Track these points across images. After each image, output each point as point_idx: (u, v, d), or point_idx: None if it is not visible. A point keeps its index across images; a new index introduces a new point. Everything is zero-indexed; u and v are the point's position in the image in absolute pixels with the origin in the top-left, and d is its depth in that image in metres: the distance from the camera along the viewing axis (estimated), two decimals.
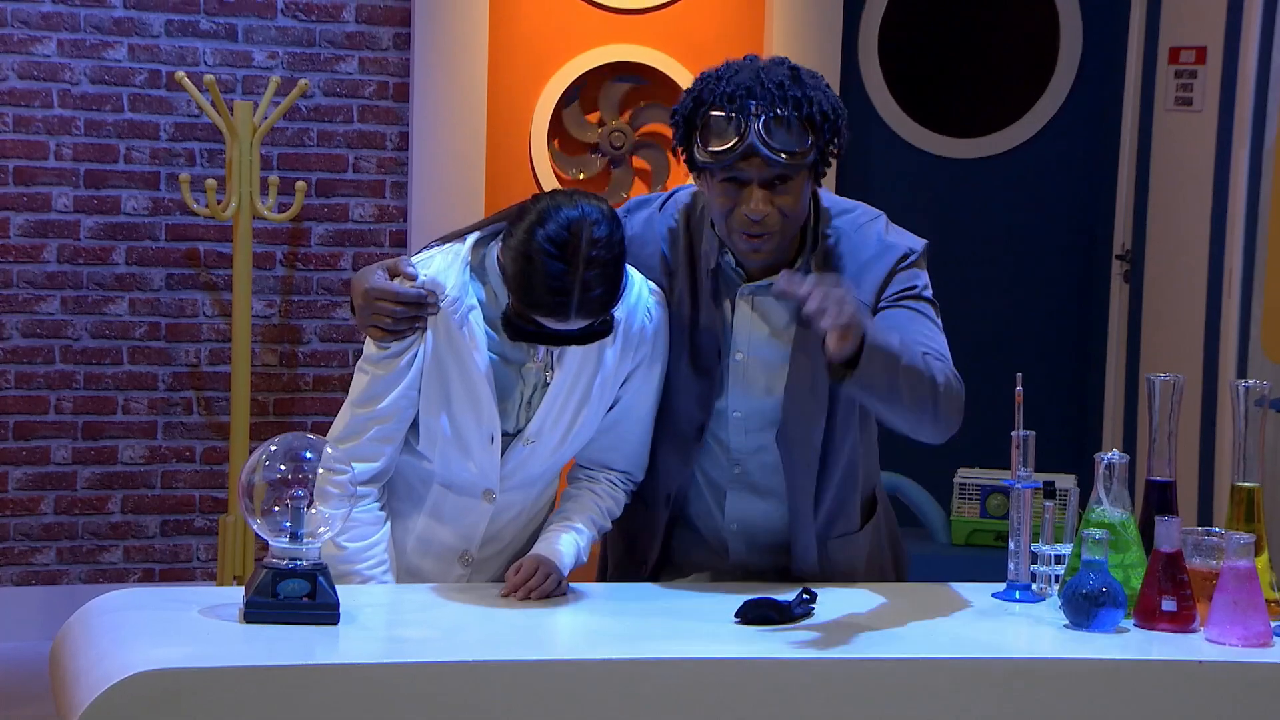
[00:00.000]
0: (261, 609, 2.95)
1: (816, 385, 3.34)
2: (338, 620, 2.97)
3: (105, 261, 6.11)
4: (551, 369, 3.32)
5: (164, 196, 6.14)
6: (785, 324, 3.37)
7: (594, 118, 6.36)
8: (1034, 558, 3.30)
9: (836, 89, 6.27)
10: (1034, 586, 3.29)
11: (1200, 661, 2.97)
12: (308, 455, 3.12)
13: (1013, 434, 3.30)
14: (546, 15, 6.27)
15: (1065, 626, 3.10)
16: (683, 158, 3.33)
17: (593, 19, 6.30)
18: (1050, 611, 3.19)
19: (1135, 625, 3.10)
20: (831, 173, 3.44)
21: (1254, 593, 3.02)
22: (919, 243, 3.40)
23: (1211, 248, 6.10)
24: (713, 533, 3.48)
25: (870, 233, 3.38)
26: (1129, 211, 6.61)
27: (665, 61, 6.32)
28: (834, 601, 3.20)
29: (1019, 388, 3.29)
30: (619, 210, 3.40)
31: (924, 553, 5.57)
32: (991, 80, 6.77)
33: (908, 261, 3.36)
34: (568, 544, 3.31)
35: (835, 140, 3.27)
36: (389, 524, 3.38)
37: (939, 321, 3.35)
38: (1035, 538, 3.31)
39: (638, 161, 6.38)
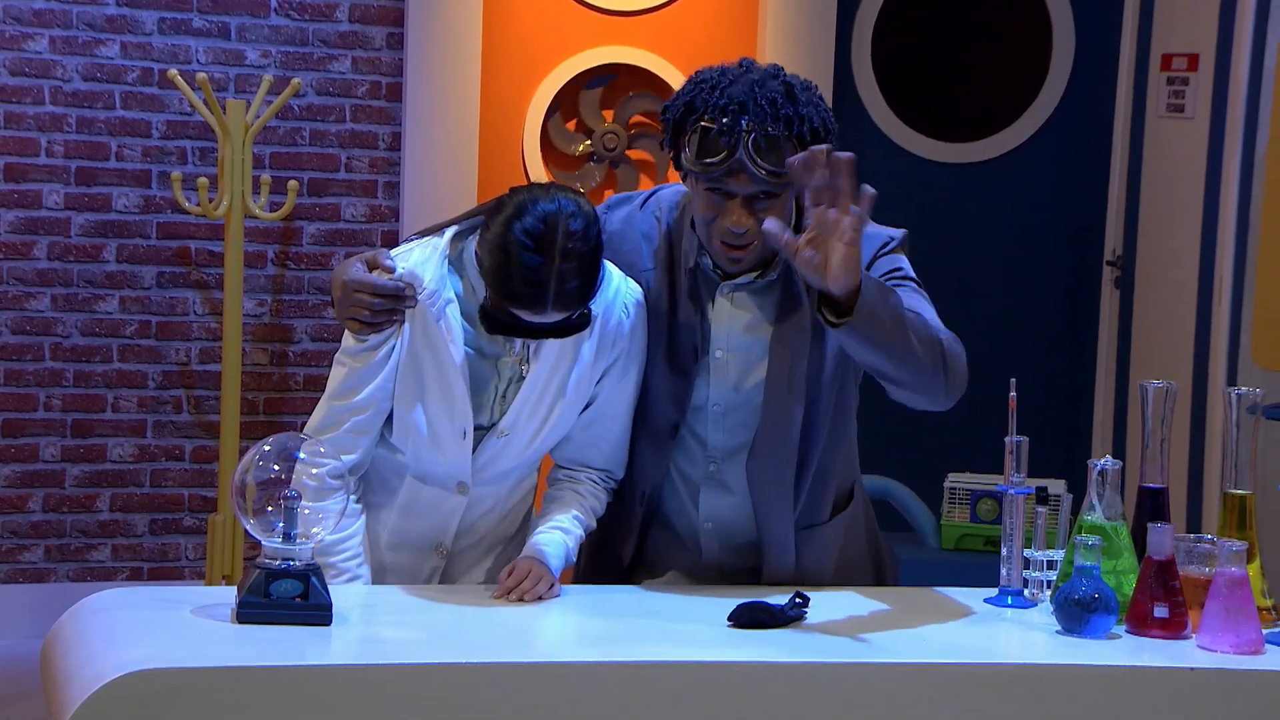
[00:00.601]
0: (254, 609, 2.95)
1: (794, 378, 3.35)
2: (330, 621, 2.97)
3: (96, 259, 6.10)
4: (527, 362, 3.33)
5: (155, 194, 6.13)
6: (765, 318, 3.37)
7: (572, 125, 6.35)
8: (1026, 563, 3.30)
9: (829, 93, 6.33)
10: (1026, 592, 3.29)
11: (1192, 668, 2.97)
12: (300, 455, 3.12)
13: (1006, 439, 3.30)
14: (540, 16, 6.27)
15: (1057, 632, 3.11)
16: (670, 156, 3.34)
17: (586, 20, 6.30)
18: (1042, 617, 3.19)
19: (1127, 631, 3.11)
20: None
21: (1246, 600, 3.02)
22: (898, 232, 3.41)
23: (1202, 254, 6.11)
24: (687, 531, 3.48)
25: None
26: (1120, 217, 6.62)
27: (658, 63, 6.32)
28: (826, 605, 3.20)
29: (1013, 393, 3.29)
30: (599, 208, 3.42)
31: (914, 557, 5.58)
32: (984, 85, 6.78)
33: (888, 248, 3.37)
34: (558, 545, 3.32)
35: None
36: (364, 516, 3.38)
37: (928, 297, 3.34)
38: (1027, 543, 3.31)
39: (636, 154, 6.37)
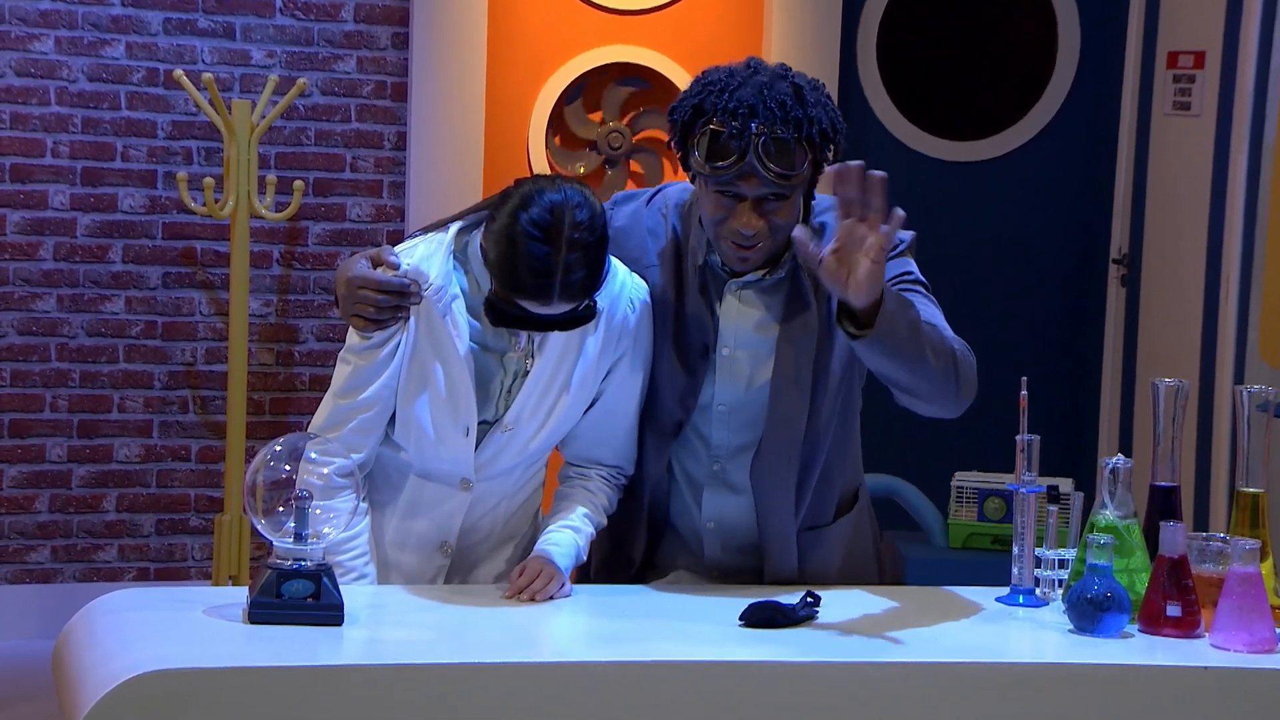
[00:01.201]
0: (266, 609, 2.94)
1: (800, 377, 3.35)
2: (342, 621, 2.96)
3: (102, 259, 6.10)
4: (533, 357, 3.33)
5: (161, 195, 6.12)
6: (772, 317, 3.37)
7: (596, 116, 6.36)
8: (1037, 562, 3.30)
9: (834, 92, 6.29)
10: (1038, 591, 3.28)
11: (1206, 667, 2.97)
12: (309, 454, 3.12)
13: (1017, 438, 3.29)
14: (545, 15, 6.27)
15: (1070, 631, 3.10)
16: (677, 156, 3.33)
17: (591, 19, 6.30)
18: (1054, 616, 3.19)
19: (1140, 630, 3.10)
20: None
21: (1259, 598, 3.02)
22: (906, 234, 3.40)
23: (1209, 252, 6.10)
24: (690, 531, 3.48)
25: None
26: (1126, 215, 6.62)
27: (664, 63, 6.32)
28: (837, 604, 3.20)
29: (1023, 391, 3.29)
30: (606, 204, 3.41)
31: (921, 556, 5.57)
32: (989, 84, 6.77)
33: (897, 250, 3.37)
34: (568, 544, 3.31)
35: (834, 157, 3.27)
36: (370, 515, 3.37)
37: (936, 302, 3.35)
38: (1039, 542, 3.31)
39: (633, 165, 6.38)
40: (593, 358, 3.34)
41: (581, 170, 6.32)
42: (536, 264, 3.14)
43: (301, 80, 5.98)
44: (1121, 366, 6.63)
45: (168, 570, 6.22)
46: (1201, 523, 5.86)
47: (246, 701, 2.72)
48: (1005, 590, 3.31)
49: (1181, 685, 2.95)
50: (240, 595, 3.05)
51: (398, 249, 3.33)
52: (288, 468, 3.05)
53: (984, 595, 3.33)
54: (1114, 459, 3.20)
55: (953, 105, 6.75)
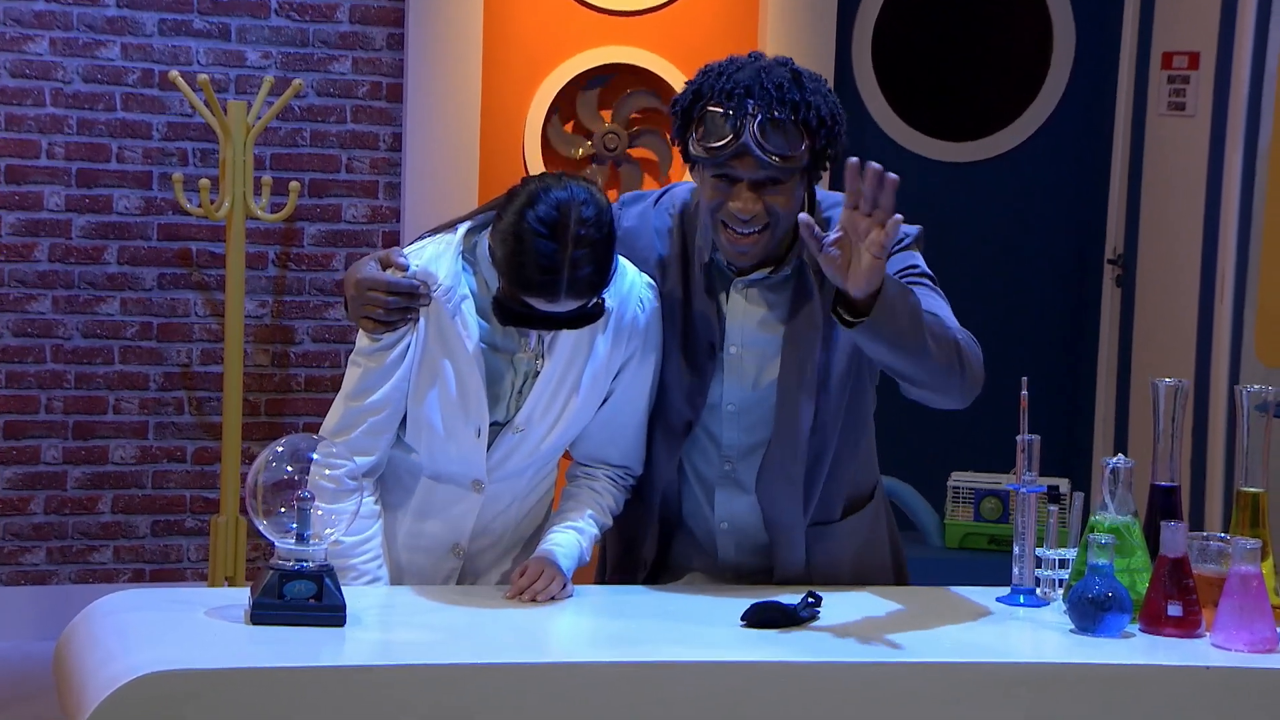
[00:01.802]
0: (268, 610, 2.94)
1: (805, 374, 3.35)
2: (344, 622, 2.96)
3: (97, 261, 6.10)
4: (543, 357, 3.33)
5: (156, 196, 6.12)
6: (778, 315, 3.37)
7: (570, 127, 6.34)
8: (1038, 562, 3.30)
9: None
10: (1038, 591, 3.29)
11: (1207, 667, 2.97)
12: (314, 456, 3.12)
13: (1018, 438, 3.30)
14: (540, 16, 6.26)
15: (1071, 631, 3.11)
16: (678, 148, 3.34)
17: (587, 20, 6.29)
18: (1055, 616, 3.19)
19: (1141, 630, 3.11)
20: (825, 175, 3.44)
21: (1260, 598, 3.02)
22: (913, 228, 3.41)
23: (1204, 252, 6.11)
24: (704, 532, 3.47)
25: None
26: (1121, 216, 6.62)
27: (659, 64, 6.32)
28: (839, 605, 3.20)
29: (1024, 391, 3.29)
30: (614, 205, 3.42)
31: (918, 556, 5.55)
32: (985, 84, 6.78)
33: (903, 244, 3.37)
34: (570, 545, 3.31)
35: (832, 145, 3.28)
36: (382, 518, 3.37)
37: (943, 295, 3.35)
38: (1039, 542, 3.31)
39: (637, 153, 6.37)
40: (603, 357, 3.34)
41: (579, 153, 6.30)
42: (543, 261, 3.14)
43: (297, 81, 5.97)
44: (1116, 366, 6.64)
45: (163, 571, 6.22)
46: (1196, 522, 5.86)
47: (249, 702, 2.72)
48: (1005, 590, 3.31)
49: (1183, 685, 2.96)
50: (242, 596, 3.05)
51: (406, 250, 3.33)
52: (289, 469, 3.05)
53: (984, 595, 3.33)
54: (1115, 459, 3.20)
55: (948, 106, 6.75)
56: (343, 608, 2.97)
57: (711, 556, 3.48)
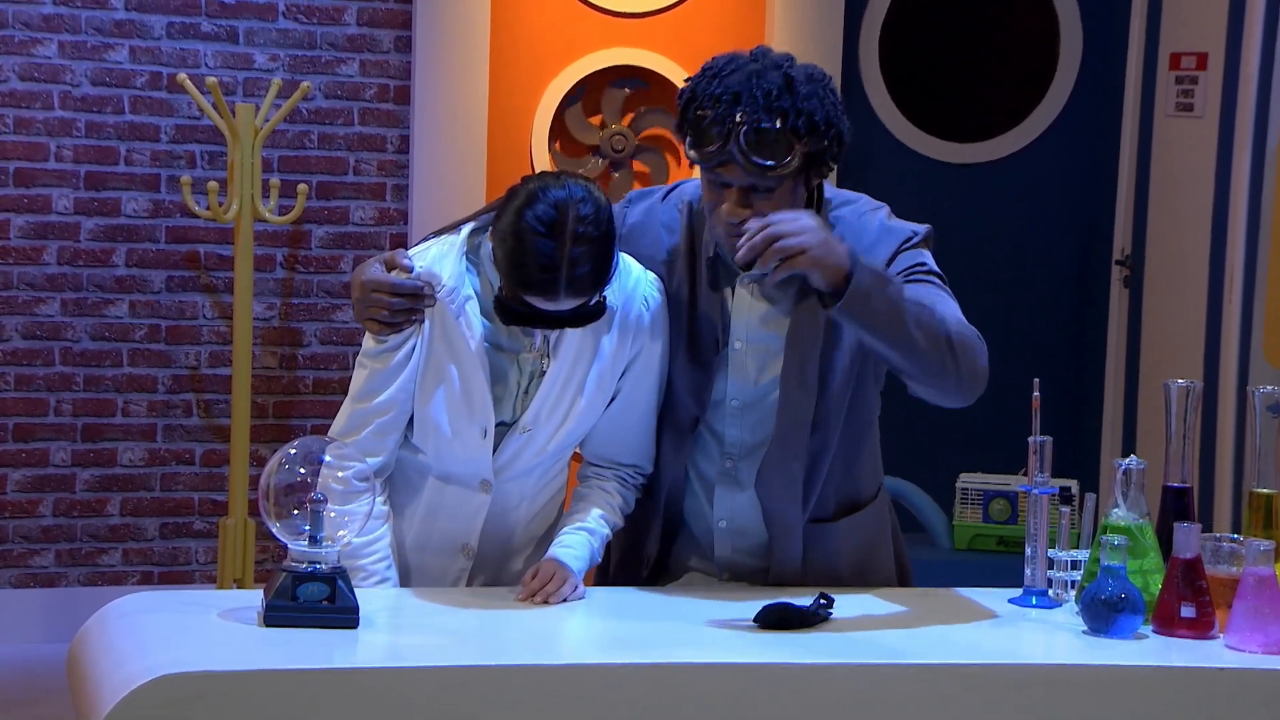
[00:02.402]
0: (281, 612, 2.94)
1: (807, 372, 3.35)
2: (357, 624, 2.96)
3: (105, 264, 6.10)
4: (548, 357, 3.33)
5: (164, 199, 6.12)
6: (782, 312, 3.37)
7: (596, 120, 6.36)
8: (1050, 563, 3.29)
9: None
10: (1050, 592, 3.28)
11: (1220, 668, 2.97)
12: (327, 458, 3.12)
13: (1030, 439, 3.30)
14: (547, 18, 6.27)
15: (1083, 632, 3.10)
16: (682, 142, 3.34)
17: (594, 22, 6.30)
18: (1068, 617, 3.19)
19: (1154, 631, 3.10)
20: (831, 176, 3.44)
21: (1274, 599, 3.02)
22: (921, 227, 3.40)
23: (1212, 253, 6.11)
24: (703, 530, 3.47)
25: (872, 221, 3.38)
26: (1129, 216, 6.62)
27: (666, 65, 6.32)
28: (850, 606, 3.20)
29: (1036, 393, 3.29)
30: (620, 204, 3.42)
31: (926, 558, 5.57)
32: (992, 85, 6.78)
33: (911, 243, 3.36)
34: (581, 546, 3.31)
35: (829, 148, 3.26)
36: (391, 519, 3.38)
37: (951, 293, 3.34)
38: (1051, 543, 3.31)
39: (638, 165, 6.38)
40: (608, 356, 3.34)
41: (589, 143, 6.31)
42: (542, 260, 3.15)
43: (305, 84, 5.97)
44: (1125, 368, 6.64)
45: (172, 574, 6.22)
46: (1205, 523, 5.84)
47: (263, 704, 2.72)
48: (1015, 591, 3.31)
49: (1196, 686, 2.95)
50: (254, 598, 3.05)
51: (411, 251, 3.33)
52: (302, 471, 3.05)
53: (997, 597, 3.33)
54: (1127, 460, 3.20)
55: (955, 107, 6.75)
56: (356, 610, 2.97)
57: (708, 555, 3.47)
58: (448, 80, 6.17)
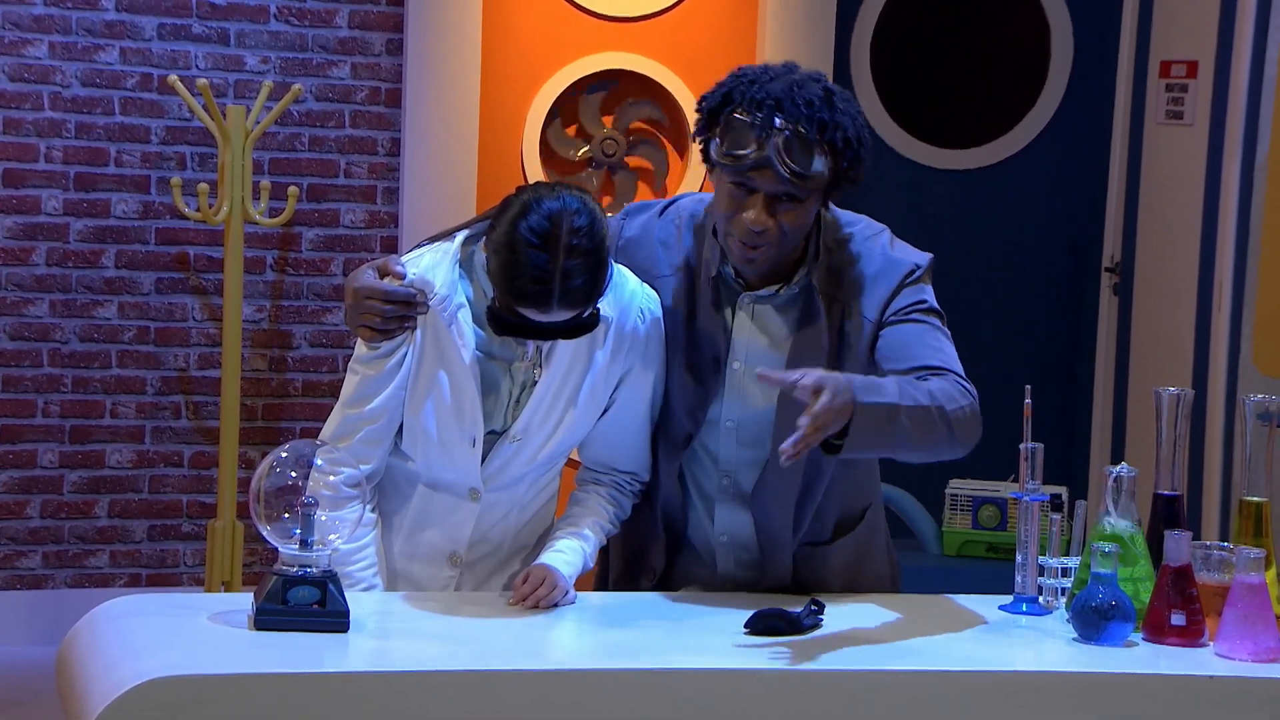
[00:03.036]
0: (271, 615, 2.94)
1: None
2: (348, 628, 2.96)
3: (95, 265, 6.09)
4: (540, 367, 3.32)
5: (154, 200, 6.12)
6: (784, 335, 3.36)
7: (572, 130, 6.34)
8: (1040, 570, 3.30)
9: None
10: (1041, 599, 3.29)
11: (1210, 676, 2.97)
12: (318, 463, 3.12)
13: (1021, 446, 3.30)
14: (539, 21, 6.26)
15: (1074, 640, 3.11)
16: (699, 147, 3.33)
17: (585, 26, 6.29)
18: (1058, 625, 3.20)
19: (1144, 639, 3.11)
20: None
21: (1264, 607, 3.02)
22: (924, 257, 3.39)
23: (1202, 261, 6.12)
24: (704, 545, 3.47)
25: (875, 246, 3.38)
26: (1119, 224, 6.63)
27: (658, 70, 6.32)
28: (842, 613, 3.20)
29: (1027, 400, 3.30)
30: (617, 216, 3.41)
31: (915, 564, 5.57)
32: (983, 92, 6.78)
33: (914, 277, 3.36)
34: (573, 551, 3.31)
35: (854, 167, 3.26)
36: (379, 526, 3.37)
37: (948, 333, 3.35)
38: (1041, 550, 3.31)
39: (635, 161, 6.37)
40: (601, 368, 3.33)
41: (578, 156, 6.29)
42: (535, 271, 3.14)
43: (296, 86, 5.97)
44: (1114, 375, 6.64)
45: (160, 576, 6.21)
46: (1194, 531, 5.85)
47: (253, 708, 2.72)
48: (1005, 598, 3.31)
49: (1186, 694, 2.96)
50: (245, 601, 3.04)
51: (404, 259, 3.33)
52: (293, 474, 3.05)
53: (984, 603, 3.33)
54: (1118, 468, 3.21)
55: (946, 113, 6.75)
56: (346, 613, 2.97)
57: (711, 569, 3.47)
58: (439, 84, 6.17)
